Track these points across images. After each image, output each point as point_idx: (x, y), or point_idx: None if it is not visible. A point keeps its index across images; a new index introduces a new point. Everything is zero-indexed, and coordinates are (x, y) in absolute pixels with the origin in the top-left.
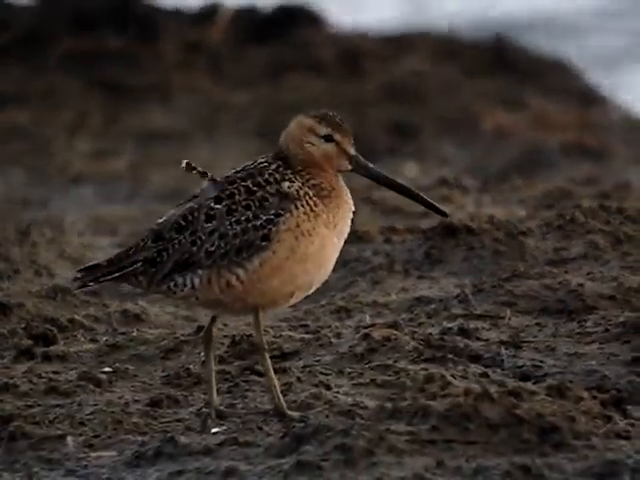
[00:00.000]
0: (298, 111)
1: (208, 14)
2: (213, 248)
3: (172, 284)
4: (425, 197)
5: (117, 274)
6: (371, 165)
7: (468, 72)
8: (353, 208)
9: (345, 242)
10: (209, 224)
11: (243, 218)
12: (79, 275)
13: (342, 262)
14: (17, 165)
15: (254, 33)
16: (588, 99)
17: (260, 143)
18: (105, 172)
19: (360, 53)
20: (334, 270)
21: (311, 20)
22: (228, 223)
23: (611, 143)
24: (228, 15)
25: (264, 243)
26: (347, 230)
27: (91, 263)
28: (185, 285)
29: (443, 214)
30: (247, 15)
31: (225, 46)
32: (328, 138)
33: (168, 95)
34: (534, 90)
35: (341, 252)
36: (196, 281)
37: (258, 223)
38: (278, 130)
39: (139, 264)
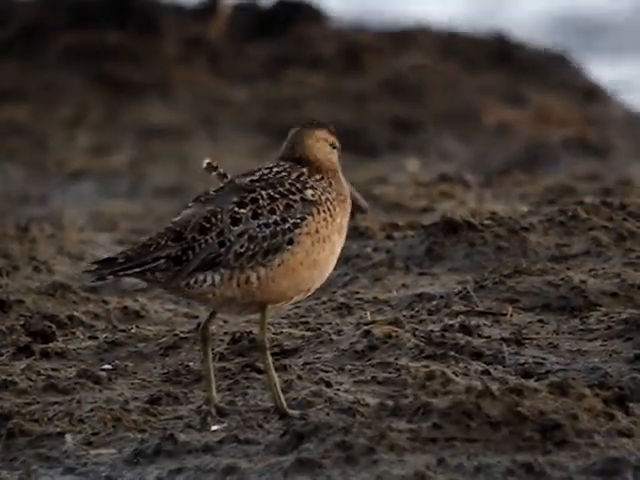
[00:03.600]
0: (298, 106)
1: (208, 9)
2: (242, 250)
3: (192, 281)
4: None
5: (137, 269)
6: None
7: (469, 67)
8: None
9: (346, 238)
10: (236, 227)
11: (271, 221)
12: (94, 268)
13: (343, 258)
14: (16, 161)
15: (254, 28)
16: (590, 94)
17: (260, 138)
18: (105, 168)
19: (361, 48)
20: (335, 267)
21: (311, 15)
22: (256, 226)
23: (613, 139)
24: (228, 10)
25: (289, 247)
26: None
27: (105, 257)
28: (205, 281)
29: (363, 211)
30: (247, 10)
31: (225, 41)
32: (334, 146)
33: (168, 90)
34: (536, 85)
35: (342, 248)
36: (217, 278)
37: (286, 227)
38: (278, 125)
39: (162, 261)
